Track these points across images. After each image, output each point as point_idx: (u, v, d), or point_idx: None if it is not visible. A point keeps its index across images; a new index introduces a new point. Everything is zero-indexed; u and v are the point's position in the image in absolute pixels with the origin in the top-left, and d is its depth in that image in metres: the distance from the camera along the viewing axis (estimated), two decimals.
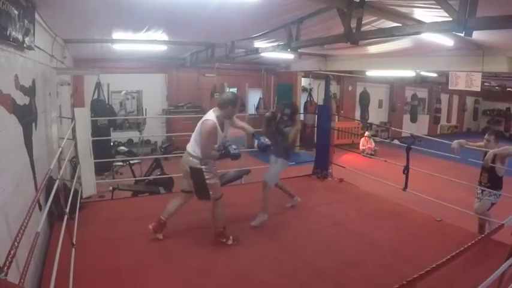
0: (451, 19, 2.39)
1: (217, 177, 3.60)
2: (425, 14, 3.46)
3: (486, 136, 4.21)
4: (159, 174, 6.18)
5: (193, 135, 3.46)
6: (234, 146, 3.56)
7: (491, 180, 4.07)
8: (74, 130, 4.45)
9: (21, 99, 2.80)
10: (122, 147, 7.60)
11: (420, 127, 14.75)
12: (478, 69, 5.21)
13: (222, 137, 3.45)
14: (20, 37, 2.59)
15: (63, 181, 3.76)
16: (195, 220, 4.21)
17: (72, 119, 4.56)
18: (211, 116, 3.36)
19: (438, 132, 15.97)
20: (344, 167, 6.25)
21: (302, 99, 11.33)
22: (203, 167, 3.37)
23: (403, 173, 4.87)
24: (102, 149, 6.11)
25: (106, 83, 8.56)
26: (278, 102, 7.31)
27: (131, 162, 7.02)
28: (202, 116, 3.47)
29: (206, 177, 3.39)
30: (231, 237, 3.63)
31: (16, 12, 2.44)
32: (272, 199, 4.34)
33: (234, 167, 6.72)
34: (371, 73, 10.37)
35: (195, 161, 3.37)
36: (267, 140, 3.84)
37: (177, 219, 4.28)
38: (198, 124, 3.42)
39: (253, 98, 11.98)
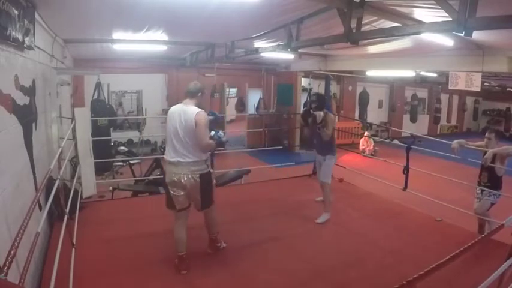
0: (451, 19, 2.40)
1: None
2: (425, 14, 3.46)
3: (487, 134, 4.22)
4: (159, 174, 6.17)
5: (183, 142, 2.95)
6: (220, 133, 3.32)
7: (491, 179, 4.07)
8: (74, 130, 4.45)
9: (21, 99, 2.80)
10: (122, 147, 7.61)
11: (420, 127, 14.74)
12: (478, 69, 5.22)
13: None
14: (20, 37, 2.59)
15: (63, 181, 3.76)
16: (194, 220, 4.21)
17: (72, 119, 4.56)
18: (193, 107, 3.01)
19: (438, 132, 15.96)
20: (344, 167, 6.24)
21: (302, 99, 11.33)
22: (210, 168, 3.15)
23: (403, 173, 4.88)
24: (102, 149, 6.11)
25: (106, 83, 8.56)
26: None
27: (131, 162, 7.02)
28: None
29: (212, 178, 3.29)
30: (222, 241, 3.53)
31: (16, 12, 2.44)
32: (271, 199, 4.34)
33: (234, 167, 6.74)
34: (371, 73, 10.37)
35: (203, 166, 3.03)
36: (222, 134, 3.39)
37: None
38: (181, 121, 2.95)
39: (253, 98, 11.99)
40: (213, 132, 3.21)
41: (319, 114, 4.13)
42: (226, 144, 3.46)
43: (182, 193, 3.04)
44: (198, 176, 2.98)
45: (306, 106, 4.43)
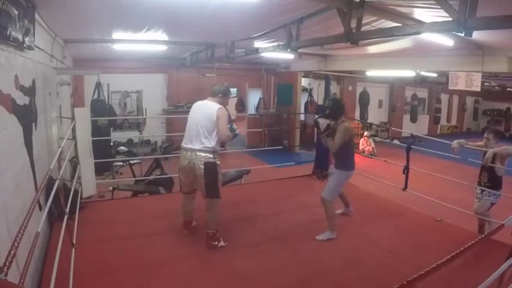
0: (451, 19, 2.40)
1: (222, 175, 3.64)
2: (425, 14, 3.46)
3: (486, 134, 4.21)
4: (159, 174, 6.18)
5: (197, 130, 3.35)
6: (234, 127, 3.54)
7: (491, 179, 4.07)
8: (74, 130, 4.45)
9: (21, 99, 2.80)
10: (122, 147, 7.60)
11: (420, 127, 14.75)
12: (478, 69, 5.22)
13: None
14: (20, 37, 2.59)
15: (63, 181, 3.76)
16: (194, 220, 4.21)
17: (72, 119, 4.56)
18: (215, 104, 3.43)
19: (438, 132, 15.97)
20: None
21: (302, 99, 11.33)
22: (216, 160, 3.38)
23: (403, 173, 4.87)
24: (102, 149, 6.10)
25: (106, 83, 8.56)
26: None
27: (131, 162, 7.02)
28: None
29: (219, 171, 3.42)
30: (221, 239, 3.55)
31: (16, 12, 2.44)
32: (271, 199, 4.33)
33: (234, 167, 6.74)
34: (371, 73, 10.37)
35: (209, 155, 3.32)
36: (235, 127, 3.59)
37: (177, 219, 4.28)
38: (204, 114, 3.37)
39: (253, 98, 11.99)
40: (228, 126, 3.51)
41: (323, 122, 3.84)
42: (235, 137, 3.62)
43: (188, 179, 3.52)
44: (202, 163, 3.31)
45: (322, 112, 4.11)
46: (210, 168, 3.32)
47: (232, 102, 12.73)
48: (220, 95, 3.51)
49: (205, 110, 3.40)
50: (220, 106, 3.39)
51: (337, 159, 3.89)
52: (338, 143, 3.71)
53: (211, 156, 3.33)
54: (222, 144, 3.65)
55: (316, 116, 4.23)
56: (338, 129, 3.73)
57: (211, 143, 3.32)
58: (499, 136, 4.32)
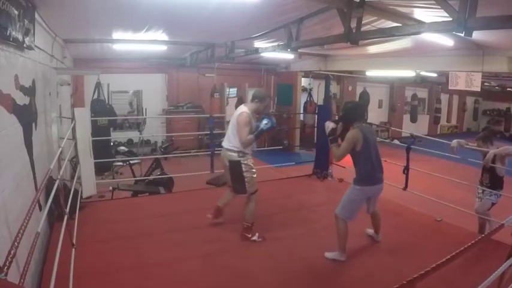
0: (451, 19, 2.40)
1: (255, 171, 3.71)
2: (425, 14, 3.46)
3: (475, 141, 4.21)
4: (159, 174, 6.18)
5: (229, 131, 3.71)
6: (264, 121, 3.59)
7: (492, 180, 4.08)
8: (74, 130, 4.45)
9: (21, 99, 2.80)
10: (122, 147, 7.60)
11: (420, 127, 14.74)
12: (478, 69, 5.22)
13: (254, 126, 3.67)
14: (20, 37, 2.59)
15: (63, 181, 3.76)
16: (194, 220, 4.21)
17: (72, 119, 4.56)
18: (244, 108, 3.66)
19: (438, 132, 15.97)
20: (344, 167, 6.23)
21: (302, 99, 11.32)
22: (241, 159, 3.59)
23: (403, 173, 4.87)
24: (102, 149, 6.11)
25: (106, 83, 8.56)
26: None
27: (131, 162, 7.02)
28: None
29: (243, 169, 3.59)
30: (256, 234, 3.72)
31: (16, 12, 2.44)
32: (271, 199, 4.33)
33: None
34: (371, 73, 10.37)
35: (233, 154, 3.60)
36: (265, 122, 3.61)
37: (177, 219, 4.29)
38: (233, 118, 3.69)
39: None
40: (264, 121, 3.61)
41: (329, 125, 3.43)
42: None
43: (225, 173, 3.88)
44: (228, 160, 3.65)
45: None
46: (234, 166, 3.62)
47: (232, 102, 12.74)
48: (256, 100, 3.70)
49: (235, 114, 3.70)
50: (242, 111, 3.61)
51: (356, 171, 3.38)
52: (340, 152, 3.27)
53: (235, 155, 3.59)
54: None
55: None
56: (346, 136, 3.29)
57: (237, 143, 3.58)
58: (488, 140, 4.22)
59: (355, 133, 3.23)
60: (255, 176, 3.69)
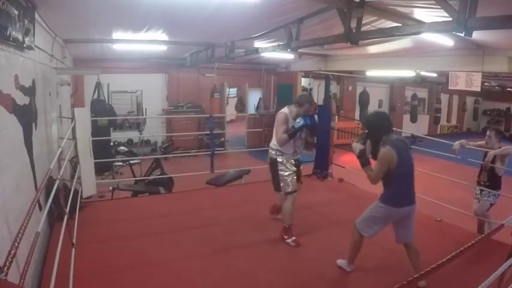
0: (451, 19, 2.39)
1: (292, 172, 3.75)
2: (425, 14, 3.46)
3: (488, 132, 4.24)
4: (159, 174, 6.18)
5: (273, 131, 3.86)
6: (297, 120, 3.65)
7: (491, 179, 4.08)
8: (74, 130, 4.45)
9: (21, 99, 2.80)
10: (122, 147, 7.61)
11: (420, 127, 14.74)
12: (478, 69, 5.21)
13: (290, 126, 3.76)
14: (20, 37, 2.59)
15: (63, 181, 3.76)
16: (194, 220, 4.22)
17: (72, 119, 4.56)
18: (284, 109, 3.81)
19: (438, 132, 15.96)
20: (344, 167, 6.25)
21: None
22: (278, 157, 3.72)
23: None
24: (102, 149, 6.11)
25: (106, 83, 8.56)
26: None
27: (131, 162, 7.02)
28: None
29: (279, 167, 3.71)
30: (293, 238, 3.70)
31: (16, 12, 2.44)
32: (271, 199, 4.32)
33: (234, 167, 6.74)
34: (371, 73, 10.36)
35: (272, 152, 3.79)
36: (298, 121, 3.61)
37: (177, 219, 4.29)
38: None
39: (253, 98, 11.98)
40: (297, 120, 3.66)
41: (356, 146, 3.02)
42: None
43: None
44: (269, 158, 3.84)
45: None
46: (271, 163, 3.80)
47: (232, 102, 12.74)
48: (296, 104, 3.80)
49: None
50: (281, 111, 3.78)
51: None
52: (374, 176, 2.88)
53: (274, 153, 3.77)
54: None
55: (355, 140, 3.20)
56: (378, 156, 2.88)
57: (274, 145, 3.77)
58: (501, 135, 4.33)
59: (388, 152, 2.81)
60: (291, 176, 3.73)
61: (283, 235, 3.74)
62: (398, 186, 2.91)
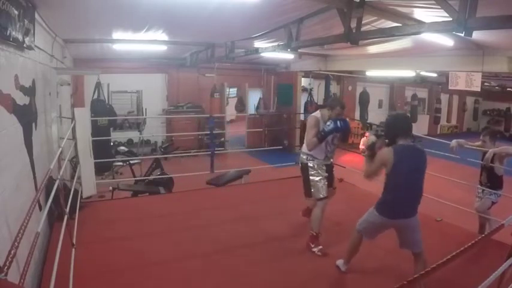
0: (451, 19, 2.40)
1: (323, 177, 3.65)
2: (425, 14, 3.46)
3: (481, 137, 4.21)
4: (159, 174, 6.18)
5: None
6: (327, 123, 3.52)
7: (491, 179, 4.08)
8: (74, 130, 4.45)
9: (21, 99, 2.80)
10: (122, 147, 7.61)
11: (420, 127, 14.73)
12: (478, 69, 5.22)
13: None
14: (20, 37, 2.59)
15: (63, 181, 3.76)
16: (194, 220, 4.22)
17: (72, 119, 4.56)
18: (316, 113, 3.77)
19: (438, 132, 15.96)
20: (344, 167, 6.24)
21: (302, 99, 11.32)
22: (309, 162, 3.68)
23: None
24: (102, 149, 6.11)
25: (106, 83, 8.56)
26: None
27: (131, 162, 7.02)
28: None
29: (310, 172, 3.64)
30: (320, 247, 3.53)
31: (16, 12, 2.44)
32: (271, 199, 4.32)
33: (234, 167, 6.74)
34: (371, 73, 10.36)
35: (303, 156, 3.75)
36: (328, 124, 3.49)
37: (177, 219, 4.29)
38: None
39: (253, 98, 11.98)
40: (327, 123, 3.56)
41: (370, 138, 3.11)
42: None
43: None
44: (300, 162, 3.80)
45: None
46: (302, 167, 3.75)
47: (232, 102, 12.74)
48: (327, 107, 3.74)
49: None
50: (312, 115, 3.74)
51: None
52: (368, 171, 2.91)
53: (304, 157, 3.73)
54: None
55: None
56: (377, 154, 2.86)
57: (304, 149, 3.73)
58: (495, 138, 4.29)
59: (385, 153, 2.76)
60: (322, 181, 3.61)
61: (309, 243, 3.59)
62: (394, 195, 2.83)
